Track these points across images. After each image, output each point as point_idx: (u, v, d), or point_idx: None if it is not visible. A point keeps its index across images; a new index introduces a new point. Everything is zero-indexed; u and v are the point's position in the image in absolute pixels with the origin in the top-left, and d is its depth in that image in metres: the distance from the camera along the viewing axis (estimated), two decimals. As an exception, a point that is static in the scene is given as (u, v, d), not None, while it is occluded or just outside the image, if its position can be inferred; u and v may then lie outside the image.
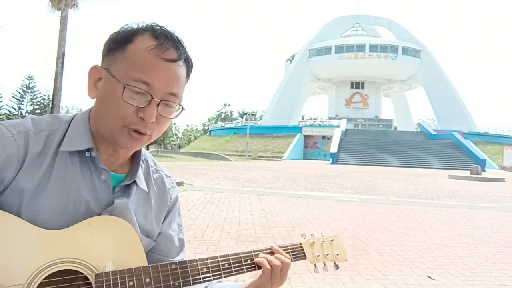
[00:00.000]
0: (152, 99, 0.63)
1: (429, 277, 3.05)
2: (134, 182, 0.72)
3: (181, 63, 0.66)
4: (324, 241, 0.86)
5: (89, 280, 0.61)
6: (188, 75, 0.70)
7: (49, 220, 0.61)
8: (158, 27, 0.66)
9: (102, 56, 0.67)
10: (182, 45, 0.67)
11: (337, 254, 0.86)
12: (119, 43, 0.65)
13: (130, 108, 0.63)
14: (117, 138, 0.66)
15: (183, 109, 0.69)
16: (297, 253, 0.83)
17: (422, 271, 3.22)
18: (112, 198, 0.68)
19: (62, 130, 0.67)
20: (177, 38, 0.67)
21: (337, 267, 0.85)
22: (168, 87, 0.64)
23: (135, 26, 0.66)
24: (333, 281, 2.87)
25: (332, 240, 0.87)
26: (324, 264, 0.84)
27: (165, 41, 0.64)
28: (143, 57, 0.63)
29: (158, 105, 0.64)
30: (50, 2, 15.09)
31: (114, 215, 0.66)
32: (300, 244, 0.84)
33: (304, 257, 0.83)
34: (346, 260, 0.87)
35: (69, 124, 0.69)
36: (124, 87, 0.62)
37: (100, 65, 0.67)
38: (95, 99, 0.68)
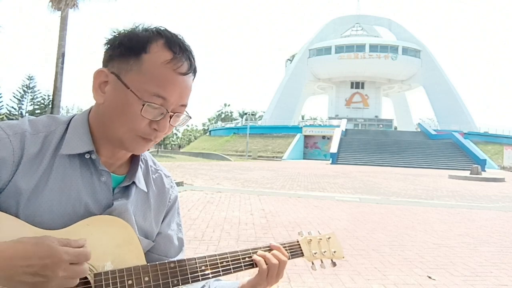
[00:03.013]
0: (167, 112, 0.64)
1: (429, 277, 3.05)
2: (133, 183, 0.73)
3: (191, 73, 0.67)
4: (321, 239, 0.87)
5: (88, 279, 0.61)
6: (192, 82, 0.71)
7: (48, 221, 0.61)
8: (169, 34, 0.65)
9: (110, 57, 0.65)
10: (192, 56, 0.68)
11: (334, 252, 0.86)
12: (132, 50, 0.63)
13: (145, 120, 0.64)
14: (127, 144, 0.66)
15: (190, 117, 0.71)
16: (295, 250, 0.83)
17: (422, 271, 3.22)
18: (112, 199, 0.69)
19: (60, 131, 0.67)
20: (188, 48, 0.67)
21: (334, 264, 0.86)
22: (181, 99, 0.66)
23: (144, 30, 0.65)
24: (333, 281, 2.87)
25: (329, 238, 0.88)
26: (322, 262, 0.85)
27: (180, 53, 0.64)
28: (160, 72, 0.63)
29: (170, 117, 0.66)
30: (50, 2, 15.10)
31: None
32: (298, 241, 0.85)
33: (302, 255, 0.84)
34: (343, 257, 0.87)
35: (68, 125, 0.68)
36: (144, 105, 0.62)
37: (106, 67, 0.66)
38: (99, 102, 0.67)
